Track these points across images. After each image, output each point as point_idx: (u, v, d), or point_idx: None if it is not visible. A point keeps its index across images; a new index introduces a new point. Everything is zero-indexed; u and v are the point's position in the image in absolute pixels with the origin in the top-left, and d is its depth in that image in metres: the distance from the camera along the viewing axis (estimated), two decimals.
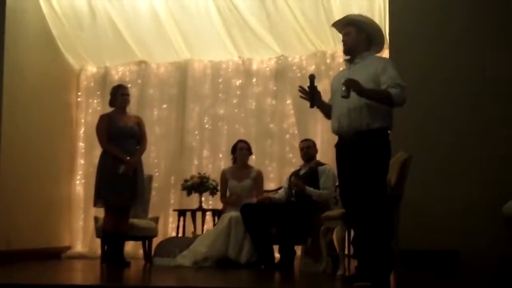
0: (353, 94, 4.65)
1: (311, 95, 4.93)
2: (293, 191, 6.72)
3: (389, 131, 4.88)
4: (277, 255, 6.83)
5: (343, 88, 4.64)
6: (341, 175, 5.01)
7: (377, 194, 4.72)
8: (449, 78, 6.75)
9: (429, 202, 6.52)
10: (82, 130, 9.30)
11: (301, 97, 5.01)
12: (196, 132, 8.99)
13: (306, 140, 7.21)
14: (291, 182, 6.83)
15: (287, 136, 8.71)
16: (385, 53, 7.41)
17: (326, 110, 5.07)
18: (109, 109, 7.24)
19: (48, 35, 8.77)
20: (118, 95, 7.11)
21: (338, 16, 7.23)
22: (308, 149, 7.05)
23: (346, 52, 5.05)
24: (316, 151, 7.15)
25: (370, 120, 4.75)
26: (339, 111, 4.86)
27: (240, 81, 9.00)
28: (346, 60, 5.13)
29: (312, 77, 4.95)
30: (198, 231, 7.87)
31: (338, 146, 5.01)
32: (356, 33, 4.98)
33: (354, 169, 4.79)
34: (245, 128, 8.82)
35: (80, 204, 9.10)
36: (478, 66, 6.69)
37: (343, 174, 4.95)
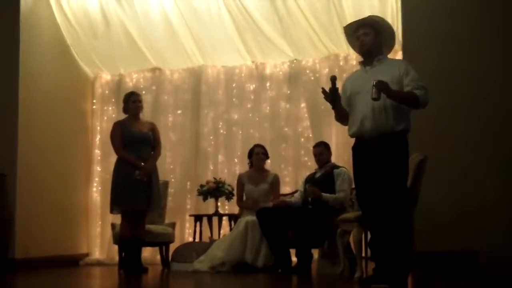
0: None
1: (332, 96, 4.93)
2: (310, 199, 6.70)
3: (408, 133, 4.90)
4: (294, 258, 6.83)
5: (374, 90, 4.63)
6: (359, 178, 4.98)
7: (399, 196, 4.72)
8: (463, 78, 6.73)
9: (445, 203, 6.49)
10: (98, 138, 9.35)
11: (325, 98, 5.00)
12: (211, 137, 9.01)
13: (318, 145, 7.17)
14: (307, 190, 6.79)
15: (302, 139, 8.69)
16: (398, 54, 7.42)
17: (342, 113, 5.07)
18: (124, 116, 7.30)
19: (63, 44, 8.83)
20: (130, 102, 7.17)
21: (350, 18, 7.25)
22: (320, 155, 7.03)
23: (365, 52, 5.03)
24: (330, 154, 7.14)
25: (395, 122, 4.77)
26: (362, 113, 4.85)
27: (253, 85, 9.01)
28: (361, 63, 5.12)
29: (334, 78, 4.93)
30: (215, 236, 7.88)
31: (356, 148, 4.99)
32: (374, 35, 4.99)
33: (375, 172, 4.78)
34: (260, 133, 8.83)
35: (97, 211, 9.14)
36: (492, 65, 6.67)
37: (362, 176, 4.92)
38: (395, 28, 7.43)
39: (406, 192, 4.85)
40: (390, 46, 5.15)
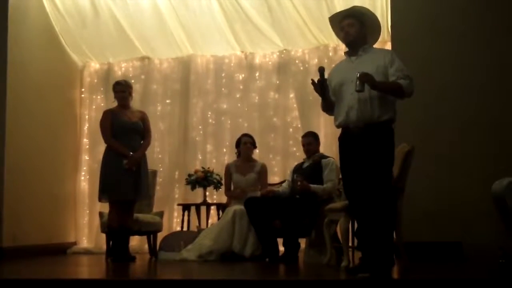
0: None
1: (321, 87, 4.94)
2: (298, 188, 6.66)
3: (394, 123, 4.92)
4: (281, 248, 6.85)
5: (357, 83, 4.66)
6: (345, 168, 5.00)
7: (384, 185, 4.75)
8: (452, 69, 6.76)
9: (432, 193, 6.53)
10: (86, 126, 9.34)
11: (314, 89, 5.02)
12: (200, 127, 9.02)
13: (306, 135, 7.16)
14: (295, 180, 6.78)
15: (291, 129, 8.72)
16: (387, 45, 7.43)
17: (328, 103, 5.08)
18: (113, 105, 7.28)
19: (51, 32, 8.80)
20: (114, 92, 7.16)
21: (340, 8, 7.23)
22: (309, 146, 7.03)
23: (349, 43, 5.04)
24: (318, 144, 7.15)
25: (380, 112, 4.80)
26: (347, 103, 4.87)
27: (243, 75, 9.01)
28: (346, 53, 5.14)
29: (322, 70, 4.95)
30: (203, 225, 7.90)
31: (342, 138, 5.01)
32: (359, 25, 5.00)
33: (360, 161, 4.80)
34: (249, 122, 8.84)
35: (85, 199, 9.13)
36: (483, 56, 6.70)
37: (349, 166, 4.94)
38: (384, 19, 7.50)
39: (390, 181, 4.88)
40: (375, 37, 5.16)
